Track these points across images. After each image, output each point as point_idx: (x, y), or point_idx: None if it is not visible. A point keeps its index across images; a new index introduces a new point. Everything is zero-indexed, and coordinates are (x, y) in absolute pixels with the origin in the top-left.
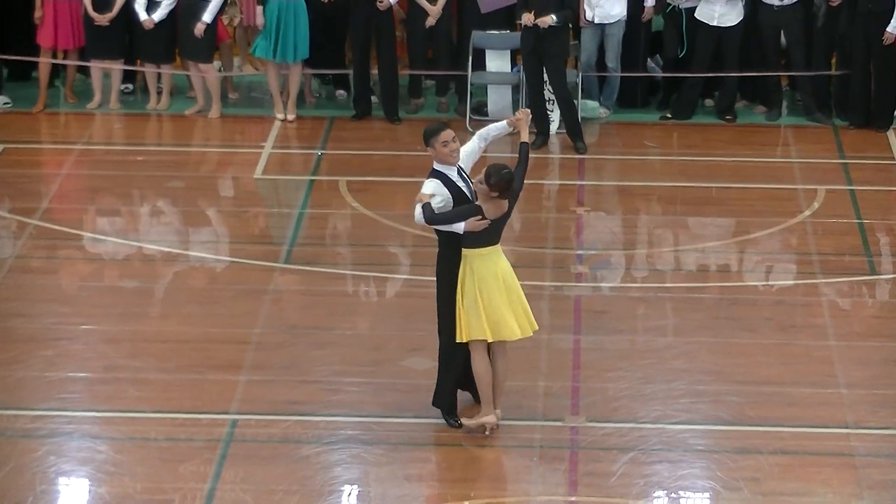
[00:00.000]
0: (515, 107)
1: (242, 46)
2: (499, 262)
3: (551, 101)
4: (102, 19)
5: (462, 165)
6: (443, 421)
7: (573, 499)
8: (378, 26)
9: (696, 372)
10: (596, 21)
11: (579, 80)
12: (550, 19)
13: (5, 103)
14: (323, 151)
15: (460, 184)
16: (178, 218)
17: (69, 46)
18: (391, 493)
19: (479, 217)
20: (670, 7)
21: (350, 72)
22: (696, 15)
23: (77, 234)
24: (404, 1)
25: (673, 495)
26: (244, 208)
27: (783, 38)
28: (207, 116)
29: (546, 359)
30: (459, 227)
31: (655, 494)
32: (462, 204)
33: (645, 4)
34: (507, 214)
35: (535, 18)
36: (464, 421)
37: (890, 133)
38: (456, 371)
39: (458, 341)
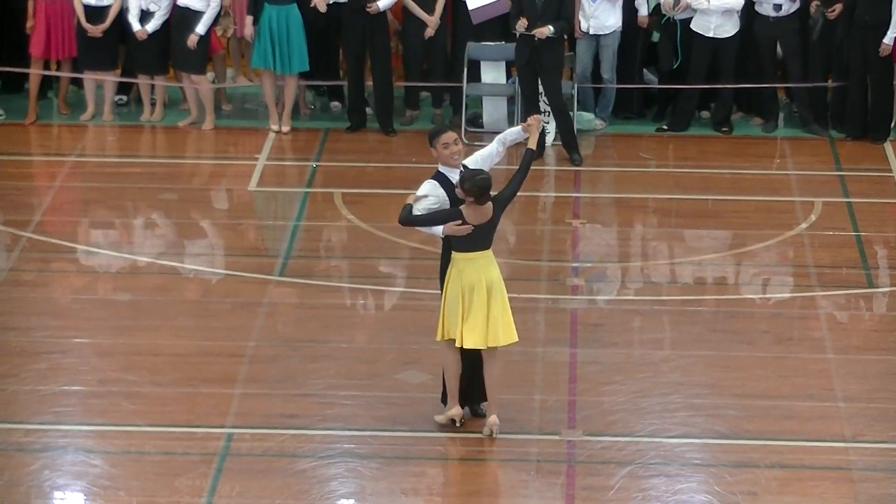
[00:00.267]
0: (511, 118)
1: (236, 58)
2: (486, 269)
3: (547, 113)
4: (95, 30)
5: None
6: (438, 434)
7: None
8: (372, 38)
9: (692, 385)
10: (591, 32)
11: (575, 92)
12: (548, 30)
13: None
14: (317, 163)
15: None
16: (172, 230)
17: (61, 56)
18: None
19: (460, 222)
20: (665, 19)
21: (345, 83)
22: (691, 26)
23: (70, 246)
24: (399, 12)
25: None
26: (238, 220)
27: (779, 50)
28: (201, 128)
29: (542, 372)
30: (438, 230)
31: None
32: (458, 207)
33: (639, 13)
34: (494, 220)
35: (532, 29)
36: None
37: (887, 145)
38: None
39: (436, 339)
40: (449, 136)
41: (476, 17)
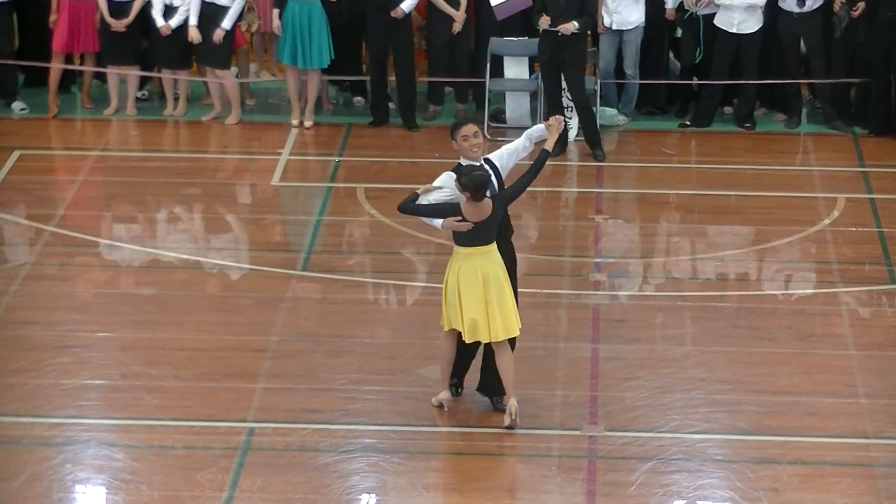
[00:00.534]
0: (534, 114)
1: (259, 53)
2: (483, 265)
3: (569, 109)
4: (119, 25)
5: (500, 163)
6: (460, 429)
7: None
8: (395, 33)
9: (714, 381)
10: (614, 28)
11: (597, 88)
12: (573, 26)
13: (22, 109)
14: (340, 158)
15: None
16: (195, 225)
17: (83, 51)
18: (409, 502)
19: (460, 218)
20: (688, 14)
21: (367, 79)
22: (715, 22)
23: (93, 241)
24: (422, 7)
25: None
26: (261, 215)
27: (802, 46)
28: (224, 123)
29: (564, 368)
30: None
31: None
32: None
33: (666, 6)
34: (492, 218)
35: (556, 25)
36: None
37: None
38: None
39: (443, 329)
40: (469, 128)
41: (499, 14)
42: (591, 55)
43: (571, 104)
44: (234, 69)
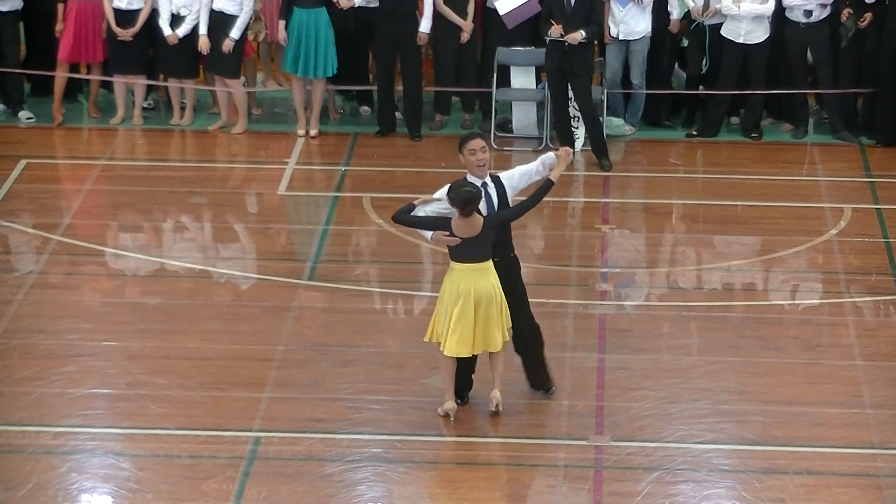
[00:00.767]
0: (540, 124)
1: (266, 62)
2: (477, 281)
3: (576, 119)
4: (125, 34)
5: (508, 182)
6: (466, 439)
7: None
8: (403, 43)
9: (720, 391)
10: (621, 38)
11: (604, 97)
12: (580, 35)
13: (28, 118)
14: (347, 168)
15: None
16: (201, 234)
17: (89, 61)
18: None
19: (448, 232)
20: (695, 24)
21: (374, 88)
22: (722, 32)
23: (99, 249)
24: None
25: None
26: (267, 225)
27: (809, 56)
28: (231, 132)
29: (570, 377)
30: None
31: None
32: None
33: (671, 17)
34: (483, 236)
35: (563, 35)
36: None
37: None
38: (536, 350)
39: (424, 339)
40: (476, 143)
41: (510, 22)
42: (597, 65)
43: (578, 114)
44: (241, 78)
